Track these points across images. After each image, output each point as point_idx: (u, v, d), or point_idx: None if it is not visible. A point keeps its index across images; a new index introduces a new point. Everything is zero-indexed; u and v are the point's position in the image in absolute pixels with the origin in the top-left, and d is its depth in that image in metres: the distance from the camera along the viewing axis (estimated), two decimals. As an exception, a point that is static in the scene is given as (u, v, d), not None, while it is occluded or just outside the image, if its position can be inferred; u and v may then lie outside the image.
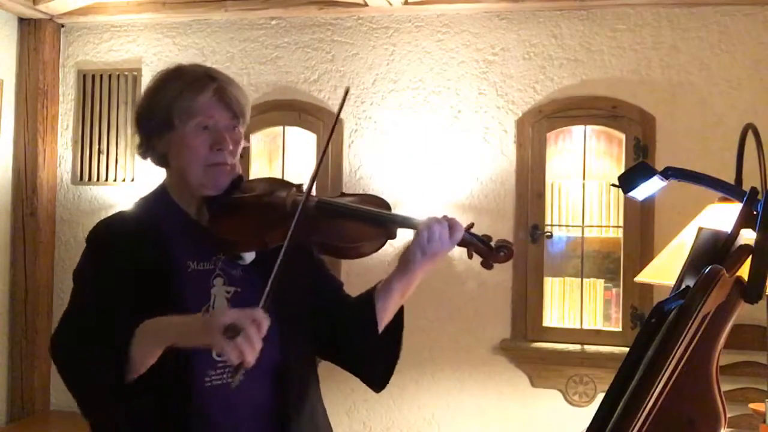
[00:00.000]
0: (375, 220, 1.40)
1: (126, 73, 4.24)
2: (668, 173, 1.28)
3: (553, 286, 3.78)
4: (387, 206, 1.47)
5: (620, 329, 3.63)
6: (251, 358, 1.13)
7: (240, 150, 1.45)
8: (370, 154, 3.88)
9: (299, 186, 1.47)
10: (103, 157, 4.25)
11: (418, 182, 3.77)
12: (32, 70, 4.20)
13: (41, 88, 4.21)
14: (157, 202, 1.47)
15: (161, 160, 1.46)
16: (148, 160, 1.48)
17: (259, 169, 4.12)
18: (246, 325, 1.13)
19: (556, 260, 3.83)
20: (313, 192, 1.40)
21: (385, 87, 3.92)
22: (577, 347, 3.63)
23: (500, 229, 3.70)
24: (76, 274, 1.42)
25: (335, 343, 1.49)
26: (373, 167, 3.87)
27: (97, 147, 4.27)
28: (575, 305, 3.74)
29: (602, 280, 3.73)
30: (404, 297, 1.44)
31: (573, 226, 3.78)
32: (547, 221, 3.75)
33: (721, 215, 1.87)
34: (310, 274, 1.50)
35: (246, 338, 1.12)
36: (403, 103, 3.89)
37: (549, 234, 3.74)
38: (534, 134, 3.75)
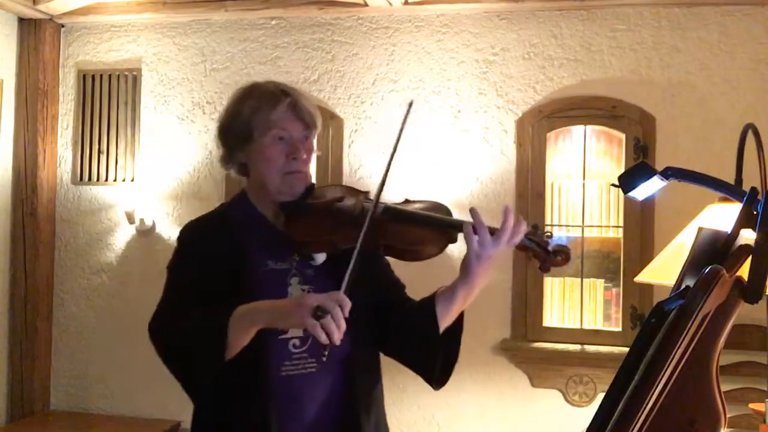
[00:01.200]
0: (436, 225, 1.48)
1: (126, 73, 4.24)
2: (668, 173, 1.28)
3: (553, 286, 3.78)
4: (448, 212, 1.54)
5: (620, 329, 3.63)
6: (337, 336, 1.24)
7: (312, 158, 1.58)
8: (370, 154, 3.88)
9: (366, 193, 1.59)
10: (103, 157, 4.25)
11: (418, 182, 3.77)
12: (32, 70, 4.20)
13: (41, 88, 4.21)
14: (238, 206, 1.61)
15: (242, 170, 1.59)
16: (231, 172, 1.61)
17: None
18: (332, 307, 1.24)
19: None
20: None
21: (385, 87, 3.92)
22: (577, 347, 3.63)
23: (500, 229, 3.70)
24: (170, 268, 1.55)
25: (398, 342, 1.58)
26: (373, 167, 3.87)
27: (97, 147, 4.27)
28: (575, 305, 3.74)
29: (602, 280, 3.73)
30: (467, 301, 1.52)
31: (573, 226, 3.78)
32: (547, 221, 3.75)
33: (721, 215, 1.87)
34: (376, 275, 1.60)
35: (333, 319, 1.23)
36: (403, 103, 3.89)
37: (549, 234, 3.73)
38: (534, 134, 3.75)
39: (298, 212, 1.51)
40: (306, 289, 1.51)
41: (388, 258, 1.62)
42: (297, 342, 1.45)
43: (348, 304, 1.26)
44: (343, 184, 1.71)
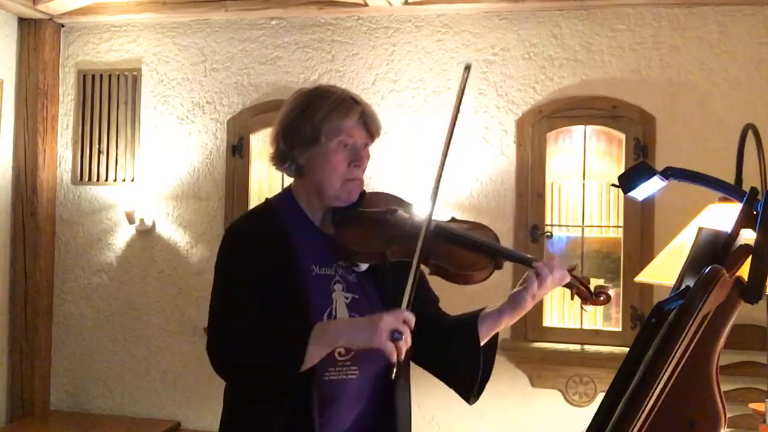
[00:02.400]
0: (487, 251, 1.51)
1: (126, 73, 4.24)
2: (668, 173, 1.28)
3: (553, 286, 3.77)
4: (495, 237, 1.59)
5: (620, 329, 3.63)
6: (403, 355, 1.32)
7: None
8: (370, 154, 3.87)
9: (412, 205, 1.61)
10: (103, 157, 4.25)
11: (418, 182, 3.77)
12: (32, 70, 4.20)
13: (41, 88, 4.20)
14: (284, 207, 1.60)
15: (297, 170, 1.59)
16: (284, 170, 1.61)
17: (259, 169, 4.12)
18: (405, 330, 1.32)
19: (556, 260, 3.82)
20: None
21: (385, 87, 3.92)
22: (577, 347, 3.63)
23: (500, 229, 3.68)
24: (221, 271, 1.53)
25: (436, 356, 1.61)
26: (372, 167, 3.83)
27: (97, 147, 4.27)
28: (575, 305, 3.73)
29: (602, 280, 3.73)
30: (505, 327, 1.58)
31: (573, 226, 3.78)
32: (547, 221, 3.75)
33: (721, 215, 1.87)
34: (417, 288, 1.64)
35: (404, 339, 1.32)
36: (403, 103, 3.89)
37: (549, 234, 3.74)
38: (534, 134, 3.75)
39: (351, 219, 1.53)
40: (349, 297, 1.52)
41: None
42: (342, 350, 1.47)
43: (413, 322, 1.33)
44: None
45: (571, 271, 1.51)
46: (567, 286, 1.52)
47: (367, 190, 1.67)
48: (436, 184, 1.50)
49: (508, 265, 1.53)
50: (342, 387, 1.48)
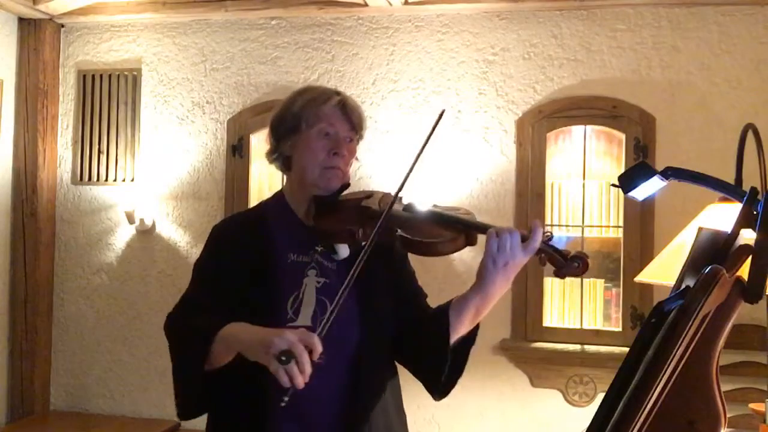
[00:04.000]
0: (456, 223, 1.49)
1: (126, 73, 4.24)
2: (668, 173, 1.28)
3: (553, 286, 3.78)
4: (472, 216, 1.55)
5: (620, 329, 3.63)
6: (299, 382, 1.21)
7: (352, 161, 1.65)
8: (370, 154, 3.88)
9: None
10: (103, 157, 4.25)
11: (418, 182, 3.77)
12: (32, 70, 4.20)
13: (41, 88, 4.21)
14: (273, 204, 1.67)
15: (285, 163, 1.63)
16: (276, 165, 1.66)
17: (259, 169, 4.12)
18: (298, 353, 1.22)
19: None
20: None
21: (385, 87, 3.92)
22: (577, 347, 3.63)
23: (500, 229, 3.70)
24: (196, 264, 1.63)
25: (408, 349, 1.60)
26: (373, 167, 3.87)
27: (97, 147, 4.27)
28: (575, 305, 3.74)
29: (602, 280, 3.73)
30: (480, 312, 1.49)
31: (573, 226, 3.78)
32: (547, 221, 3.75)
33: (721, 215, 1.87)
34: (395, 278, 1.63)
35: (297, 364, 1.21)
36: (403, 103, 3.89)
37: (549, 234, 3.73)
38: (534, 134, 3.75)
39: (328, 206, 1.56)
40: (321, 281, 1.54)
41: (410, 262, 1.65)
42: None
43: (319, 349, 1.24)
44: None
45: (546, 240, 1.41)
46: (537, 252, 1.40)
47: (368, 190, 1.67)
48: (408, 173, 1.50)
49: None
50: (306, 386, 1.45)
